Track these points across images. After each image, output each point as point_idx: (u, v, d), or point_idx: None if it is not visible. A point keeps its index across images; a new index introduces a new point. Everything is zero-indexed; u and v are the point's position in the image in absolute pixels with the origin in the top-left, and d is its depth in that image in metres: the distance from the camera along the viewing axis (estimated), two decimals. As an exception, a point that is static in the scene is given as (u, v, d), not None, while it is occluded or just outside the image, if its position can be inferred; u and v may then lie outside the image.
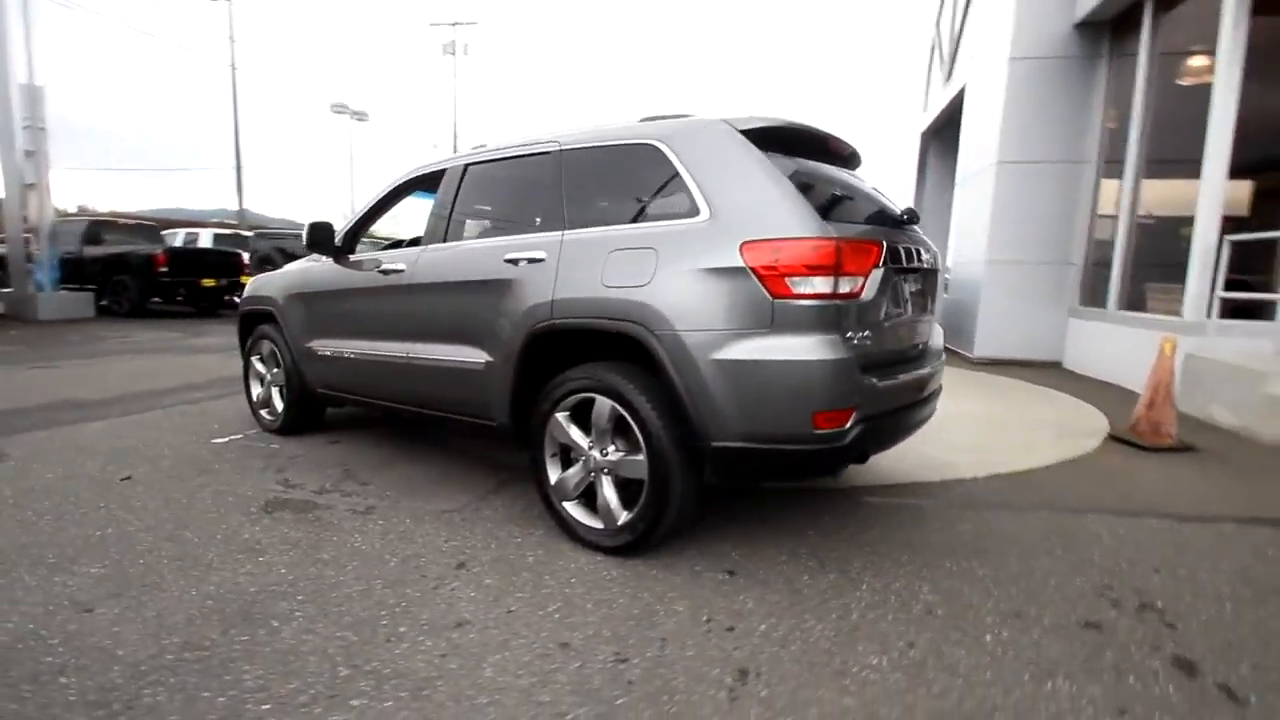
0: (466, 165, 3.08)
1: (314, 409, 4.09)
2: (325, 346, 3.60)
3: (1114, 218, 6.71)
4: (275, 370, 4.06)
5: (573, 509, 2.53)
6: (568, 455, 2.58)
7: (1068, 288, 7.44)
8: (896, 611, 2.06)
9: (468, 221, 3.08)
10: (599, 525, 2.44)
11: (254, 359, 4.22)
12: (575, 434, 2.47)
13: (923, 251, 2.54)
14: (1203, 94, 5.40)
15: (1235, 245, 4.88)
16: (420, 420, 3.31)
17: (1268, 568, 2.43)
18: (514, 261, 2.63)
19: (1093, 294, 7.17)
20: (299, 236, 12.80)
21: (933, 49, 12.06)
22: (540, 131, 2.87)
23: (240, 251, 13.96)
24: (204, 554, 2.39)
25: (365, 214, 3.62)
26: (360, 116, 28.17)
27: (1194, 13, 5.90)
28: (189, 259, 12.79)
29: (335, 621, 1.95)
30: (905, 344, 2.53)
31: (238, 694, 1.61)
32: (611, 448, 2.39)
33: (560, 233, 2.55)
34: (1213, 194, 5.10)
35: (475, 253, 2.83)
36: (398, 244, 4.03)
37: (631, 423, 2.28)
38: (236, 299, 14.21)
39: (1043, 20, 7.09)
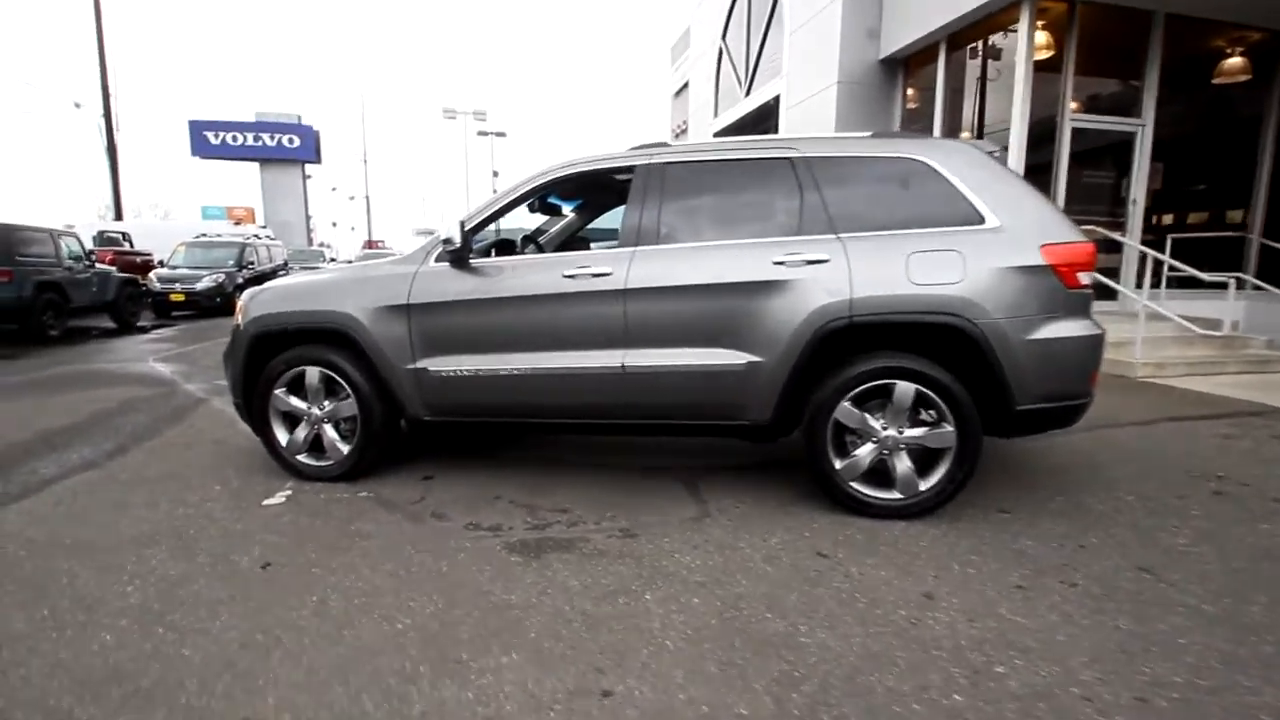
0: (666, 164, 2.98)
1: (392, 443, 3.42)
2: (455, 365, 3.06)
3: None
4: (330, 403, 3.27)
5: (860, 486, 2.79)
6: (840, 439, 2.82)
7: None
8: (1135, 513, 2.84)
9: (681, 224, 2.97)
10: (896, 496, 2.75)
11: (280, 392, 3.31)
12: (869, 419, 2.73)
13: None
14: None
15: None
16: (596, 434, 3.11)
17: (1226, 442, 3.87)
18: (781, 263, 2.74)
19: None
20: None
21: (720, 60, 13.67)
22: (750, 137, 2.95)
23: None
24: (584, 609, 2.08)
25: (492, 213, 3.17)
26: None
27: (971, 56, 8.03)
28: None
29: (843, 623, 1.99)
30: None
31: (929, 696, 1.65)
32: (908, 425, 2.72)
33: (833, 236, 2.74)
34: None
35: (728, 255, 2.81)
36: (503, 245, 3.57)
37: (939, 400, 2.65)
38: None
39: (858, 54, 8.81)
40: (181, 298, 12.22)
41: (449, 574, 2.34)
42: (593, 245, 4.24)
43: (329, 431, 3.30)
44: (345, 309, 3.16)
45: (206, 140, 33.72)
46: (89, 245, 12.28)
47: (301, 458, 3.35)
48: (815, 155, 2.86)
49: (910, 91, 8.98)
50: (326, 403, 3.28)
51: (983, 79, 7.91)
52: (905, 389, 2.67)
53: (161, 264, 14.42)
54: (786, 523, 2.76)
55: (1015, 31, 7.02)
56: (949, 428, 2.67)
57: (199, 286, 12.33)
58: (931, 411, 2.70)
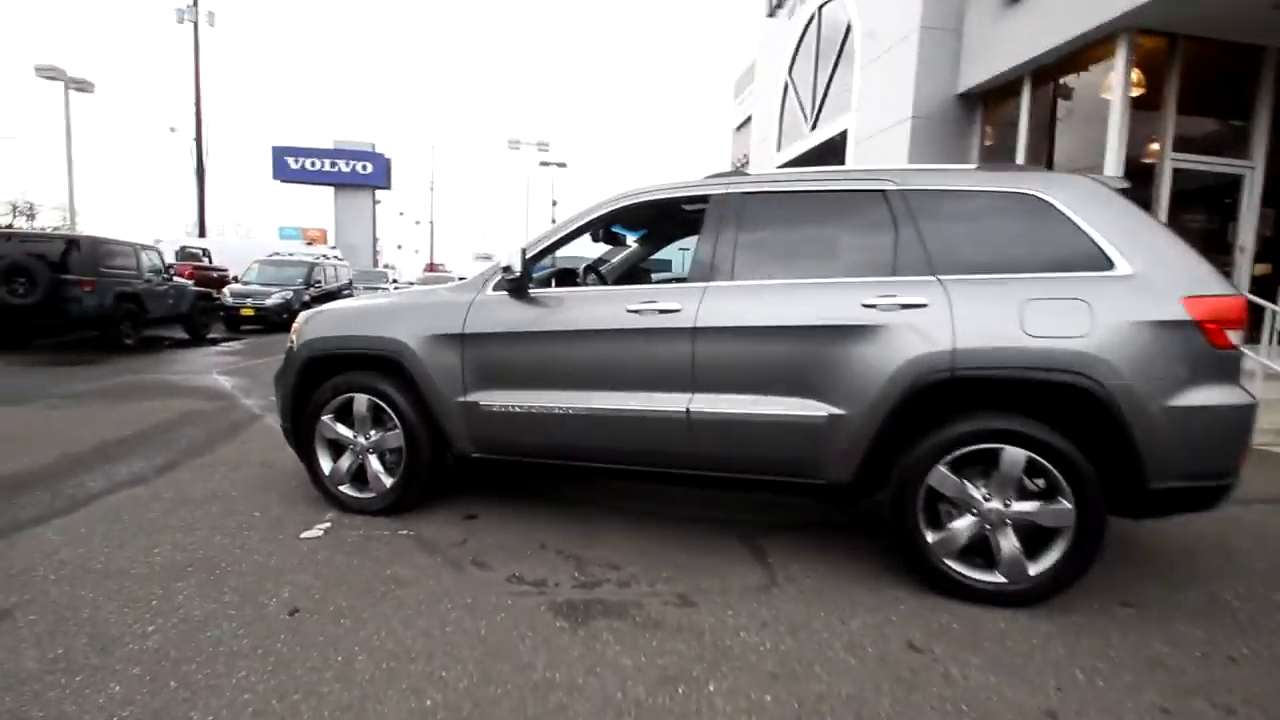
0: (745, 194, 2.75)
1: (438, 477, 3.23)
2: (508, 400, 2.87)
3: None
4: (376, 433, 3.12)
5: (956, 564, 2.43)
6: (933, 508, 2.47)
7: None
8: (1289, 616, 2.38)
9: (759, 259, 2.72)
10: (999, 579, 2.37)
11: (327, 419, 3.18)
12: (968, 486, 2.39)
13: None
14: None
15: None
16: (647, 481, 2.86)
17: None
18: (872, 306, 2.45)
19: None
20: (73, 242, 9.65)
21: (785, 94, 13.52)
22: (840, 168, 2.70)
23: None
24: (637, 698, 1.80)
25: (555, 241, 3.00)
26: (82, 86, 21.84)
27: (1058, 92, 7.60)
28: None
29: (956, 746, 1.65)
30: None
31: None
32: (1015, 497, 2.36)
33: (933, 277, 2.44)
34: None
35: (811, 294, 2.54)
36: (563, 275, 3.41)
37: (1055, 471, 2.28)
38: None
39: (935, 89, 8.48)
40: (251, 312, 12.69)
41: (487, 638, 2.09)
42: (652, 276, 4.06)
43: (373, 463, 3.15)
44: (397, 335, 3.02)
45: (287, 165, 35.58)
46: (171, 260, 12.95)
47: (344, 488, 3.20)
48: (913, 188, 2.57)
49: (988, 128, 8.56)
50: (373, 432, 3.14)
51: (1060, 115, 7.46)
52: (1014, 455, 2.32)
53: (236, 279, 15.09)
54: (867, 601, 2.41)
55: (1110, 67, 6.58)
56: (1066, 504, 2.29)
57: (268, 302, 12.80)
58: (1041, 481, 2.34)
